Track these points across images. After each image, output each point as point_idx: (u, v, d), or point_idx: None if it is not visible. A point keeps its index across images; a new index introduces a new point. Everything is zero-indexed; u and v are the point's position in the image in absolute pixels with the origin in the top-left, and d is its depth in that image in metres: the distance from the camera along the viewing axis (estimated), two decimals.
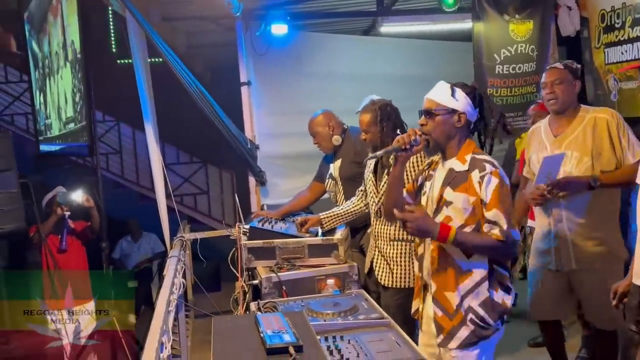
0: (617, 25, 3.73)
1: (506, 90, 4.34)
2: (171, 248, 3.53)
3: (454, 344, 1.78)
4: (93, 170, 4.76)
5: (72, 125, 5.03)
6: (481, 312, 1.78)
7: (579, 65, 2.50)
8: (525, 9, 4.24)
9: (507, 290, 1.84)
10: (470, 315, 1.78)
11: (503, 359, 2.99)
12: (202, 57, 5.43)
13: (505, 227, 1.73)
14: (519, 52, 4.24)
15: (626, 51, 3.67)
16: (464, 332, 1.78)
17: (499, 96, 4.25)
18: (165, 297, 2.11)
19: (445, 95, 1.83)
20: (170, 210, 3.75)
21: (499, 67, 4.23)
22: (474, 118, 1.84)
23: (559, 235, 2.33)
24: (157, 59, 3.91)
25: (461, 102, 1.82)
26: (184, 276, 3.27)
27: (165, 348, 1.72)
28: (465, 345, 1.77)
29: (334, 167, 3.04)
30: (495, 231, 1.72)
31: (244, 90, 4.47)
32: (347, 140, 2.98)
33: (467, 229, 1.79)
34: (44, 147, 5.44)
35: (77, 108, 4.89)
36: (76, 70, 4.77)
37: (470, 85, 1.85)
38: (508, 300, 1.83)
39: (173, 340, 2.81)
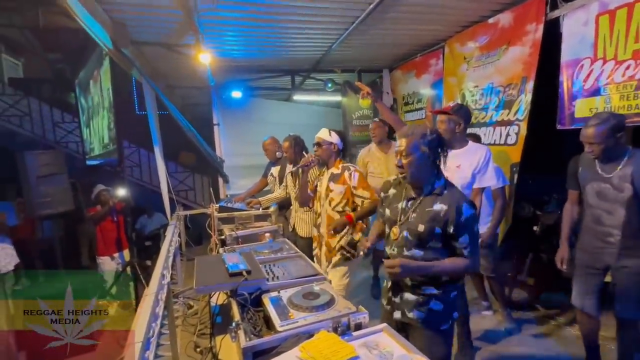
0: (410, 102, 4.71)
1: (358, 133, 5.20)
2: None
3: (331, 266, 2.11)
4: (121, 174, 5.24)
5: (107, 148, 5.51)
6: (346, 246, 2.08)
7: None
8: None
9: (362, 232, 2.12)
10: (341, 250, 2.07)
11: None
12: (191, 109, 5.87)
13: (369, 195, 2.01)
14: (364, 114, 5.16)
15: (415, 114, 4.60)
16: (336, 259, 2.09)
17: (354, 137, 5.14)
18: (167, 247, 2.19)
19: (326, 135, 2.12)
20: (171, 199, 4.05)
21: (355, 122, 5.15)
22: (341, 147, 2.17)
23: None
24: (164, 112, 4.04)
25: (335, 138, 2.12)
26: (179, 236, 3.47)
27: (165, 277, 1.74)
28: (337, 265, 2.11)
29: (275, 170, 3.32)
30: (366, 202, 2.03)
31: (215, 128, 5.08)
32: (283, 157, 3.24)
33: (342, 202, 2.04)
34: (89, 162, 5.96)
35: (111, 138, 5.29)
36: (110, 115, 5.19)
37: (339, 130, 2.21)
38: (359, 237, 2.08)
39: (172, 273, 3.09)
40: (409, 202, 1.41)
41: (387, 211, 1.49)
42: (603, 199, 1.83)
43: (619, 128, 1.74)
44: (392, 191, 1.52)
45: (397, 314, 1.46)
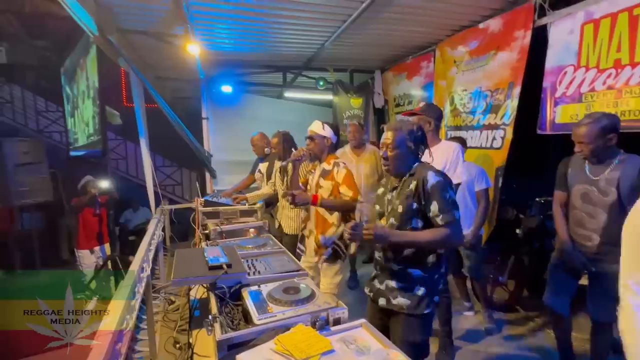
0: (401, 103, 4.76)
1: (348, 133, 5.03)
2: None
3: (322, 260, 2.11)
4: (105, 166, 5.07)
5: (92, 139, 5.28)
6: (337, 242, 2.07)
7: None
8: (358, 91, 5.20)
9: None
10: (332, 245, 2.05)
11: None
12: (181, 103, 5.77)
13: (351, 195, 1.98)
14: (354, 114, 5.19)
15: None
16: (327, 254, 2.08)
17: (344, 136, 4.87)
18: (148, 239, 2.16)
19: (319, 128, 2.09)
20: (156, 193, 3.81)
21: (345, 121, 5.13)
22: (335, 141, 2.15)
23: None
24: (152, 104, 3.76)
25: (328, 132, 2.09)
26: (163, 230, 3.26)
27: (145, 270, 1.68)
28: (328, 261, 2.09)
29: (263, 166, 3.29)
30: (347, 198, 1.98)
31: (204, 122, 4.98)
32: (271, 153, 3.26)
33: (330, 198, 2.04)
34: (73, 153, 5.93)
35: (95, 128, 5.08)
36: (94, 105, 4.97)
37: (332, 124, 2.20)
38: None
39: (155, 268, 2.93)
40: (393, 192, 1.47)
41: (377, 206, 1.54)
42: (587, 202, 1.81)
43: (611, 129, 1.69)
44: (380, 189, 1.59)
45: (382, 301, 1.49)
